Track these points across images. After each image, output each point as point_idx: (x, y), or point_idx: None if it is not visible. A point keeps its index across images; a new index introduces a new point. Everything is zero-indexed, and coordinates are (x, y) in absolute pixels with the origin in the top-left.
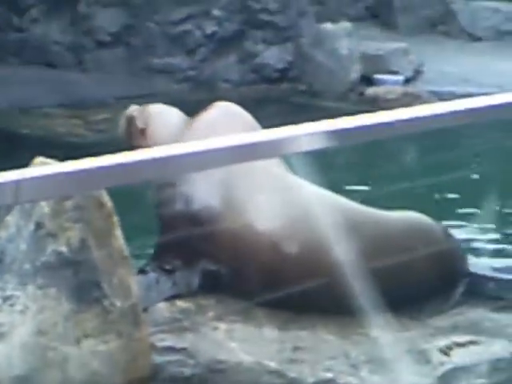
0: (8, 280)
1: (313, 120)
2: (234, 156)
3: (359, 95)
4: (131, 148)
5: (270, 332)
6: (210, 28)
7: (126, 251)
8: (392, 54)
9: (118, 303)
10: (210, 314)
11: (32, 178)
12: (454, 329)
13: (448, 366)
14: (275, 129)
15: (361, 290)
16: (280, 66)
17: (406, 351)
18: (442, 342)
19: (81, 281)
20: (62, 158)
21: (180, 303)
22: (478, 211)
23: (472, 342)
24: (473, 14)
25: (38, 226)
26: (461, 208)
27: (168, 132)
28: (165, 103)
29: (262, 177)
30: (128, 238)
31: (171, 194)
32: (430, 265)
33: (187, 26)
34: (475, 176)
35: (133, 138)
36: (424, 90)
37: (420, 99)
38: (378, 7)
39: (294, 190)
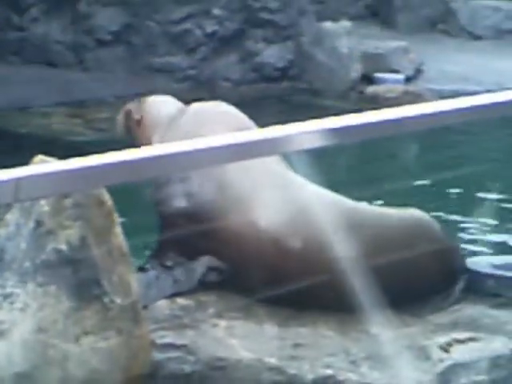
0: (8, 278)
1: (313, 119)
2: (235, 154)
3: (359, 94)
4: (131, 145)
5: (270, 329)
6: (211, 27)
7: (126, 249)
8: (392, 52)
9: (118, 300)
10: (210, 310)
11: (32, 176)
12: (454, 325)
13: (448, 363)
14: (275, 126)
15: (361, 287)
16: (280, 64)
17: (406, 348)
18: (442, 338)
19: (81, 278)
20: (63, 157)
21: (180, 300)
22: (479, 208)
23: (472, 339)
24: (473, 12)
25: (38, 224)
26: (461, 205)
27: (162, 120)
28: None
29: (263, 174)
30: (128, 236)
31: (171, 191)
32: (430, 262)
33: (187, 25)
34: (475, 173)
35: (131, 131)
36: (424, 88)
37: (420, 98)
38: (378, 6)
39: (295, 187)
